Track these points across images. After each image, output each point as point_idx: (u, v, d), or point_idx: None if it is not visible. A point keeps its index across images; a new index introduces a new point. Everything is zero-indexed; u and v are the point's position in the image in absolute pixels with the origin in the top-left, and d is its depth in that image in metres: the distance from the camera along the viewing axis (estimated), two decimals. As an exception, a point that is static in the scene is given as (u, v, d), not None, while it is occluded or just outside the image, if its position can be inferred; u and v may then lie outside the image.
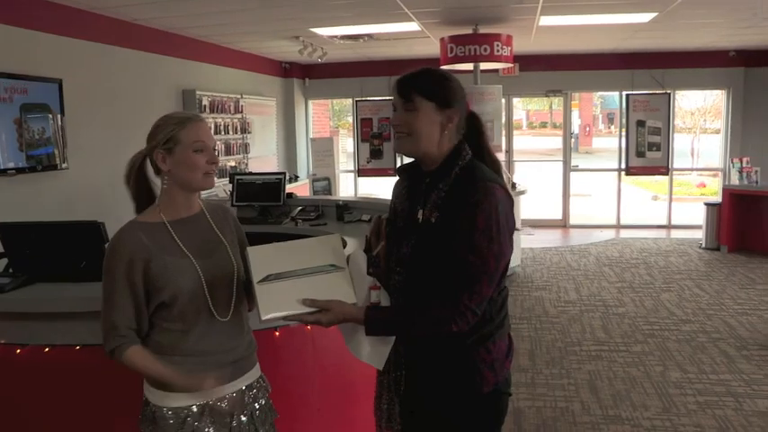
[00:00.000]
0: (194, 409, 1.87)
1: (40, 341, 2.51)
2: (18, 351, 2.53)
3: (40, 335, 2.51)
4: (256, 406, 2.01)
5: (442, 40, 7.72)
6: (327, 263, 1.87)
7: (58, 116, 5.51)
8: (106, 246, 1.85)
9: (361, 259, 1.98)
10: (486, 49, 7.35)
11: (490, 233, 1.72)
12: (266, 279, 1.80)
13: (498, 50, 7.39)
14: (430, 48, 8.43)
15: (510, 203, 1.82)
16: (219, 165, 8.37)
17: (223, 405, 1.92)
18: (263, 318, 1.77)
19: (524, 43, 8.59)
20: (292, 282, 1.82)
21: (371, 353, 1.90)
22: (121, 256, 1.80)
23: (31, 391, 2.56)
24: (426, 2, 6.18)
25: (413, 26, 7.32)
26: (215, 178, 1.94)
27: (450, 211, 1.77)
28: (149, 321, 1.87)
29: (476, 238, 1.72)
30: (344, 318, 1.81)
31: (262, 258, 1.84)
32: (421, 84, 1.84)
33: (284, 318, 1.80)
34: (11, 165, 5.04)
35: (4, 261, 2.90)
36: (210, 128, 7.21)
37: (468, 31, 7.44)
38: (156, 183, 1.95)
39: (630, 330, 5.54)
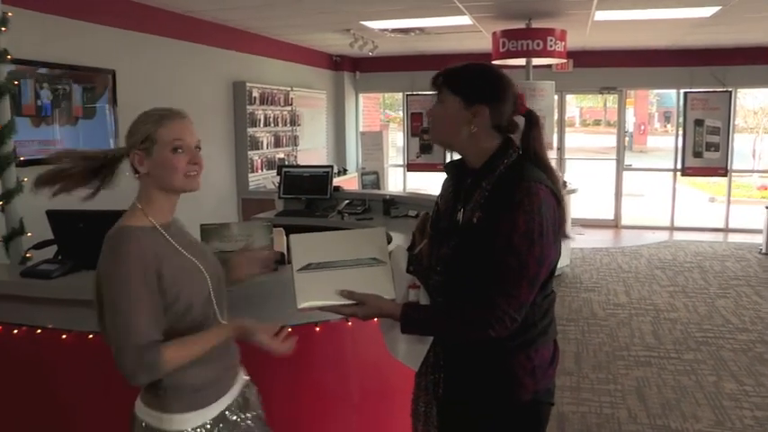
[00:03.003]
0: (208, 425, 1.77)
1: (84, 327, 2.55)
2: (63, 336, 2.58)
3: (84, 321, 2.54)
4: (254, 409, 1.94)
5: (494, 34, 7.60)
6: (370, 256, 1.83)
7: (113, 106, 5.63)
8: (105, 256, 1.67)
9: (402, 257, 1.95)
10: (539, 44, 7.20)
11: (531, 236, 1.65)
12: (306, 267, 1.78)
13: (552, 46, 7.23)
14: (482, 42, 8.32)
15: (556, 205, 1.74)
16: (268, 156, 8.49)
17: (232, 415, 1.84)
18: (300, 306, 1.75)
19: (579, 38, 8.40)
20: (332, 272, 1.79)
21: (408, 352, 1.87)
22: (134, 263, 1.61)
23: (75, 376, 2.61)
24: (479, -5, 6.09)
25: (465, 20, 7.22)
26: (198, 180, 1.77)
27: (492, 212, 1.71)
28: None
29: (516, 241, 1.65)
30: (381, 313, 1.78)
31: (304, 246, 1.81)
32: (451, 78, 1.82)
33: (320, 308, 1.77)
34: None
35: (54, 248, 2.96)
36: (260, 120, 7.22)
37: (521, 25, 7.30)
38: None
39: (682, 337, 5.35)
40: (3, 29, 2.94)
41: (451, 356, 1.84)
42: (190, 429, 1.73)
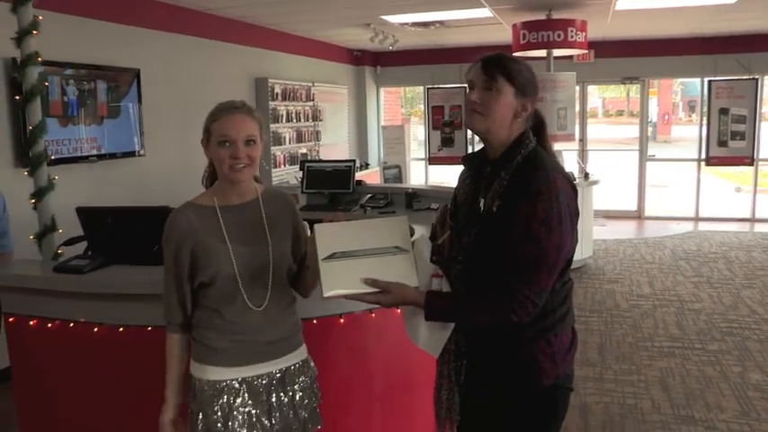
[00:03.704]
0: (235, 384, 1.94)
1: (116, 321, 2.63)
2: (95, 329, 2.65)
3: (115, 314, 2.63)
4: (296, 388, 2.05)
5: (514, 26, 7.58)
6: (393, 245, 1.87)
7: (137, 104, 5.73)
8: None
9: (425, 246, 1.98)
10: (559, 36, 7.17)
11: (550, 223, 1.70)
12: (331, 257, 1.82)
13: (572, 36, 7.19)
14: (502, 34, 8.29)
15: (572, 193, 1.80)
16: (291, 152, 8.55)
17: (262, 383, 1.97)
18: (325, 295, 1.79)
19: (600, 28, 8.34)
20: (357, 261, 1.83)
21: (429, 339, 1.90)
22: (172, 237, 1.93)
23: (106, 368, 2.68)
24: (498, -13, 6.08)
25: (485, 12, 7.21)
26: (249, 171, 1.94)
27: (511, 200, 1.75)
28: (193, 296, 1.99)
29: (534, 228, 1.70)
30: (405, 300, 1.82)
31: (328, 236, 1.85)
32: (507, 66, 1.83)
33: (346, 296, 1.82)
34: (93, 152, 5.28)
35: (85, 244, 3.04)
36: (282, 115, 7.31)
37: (542, 16, 7.27)
38: None
39: (707, 327, 5.32)
40: (34, 32, 3.02)
41: (473, 344, 1.88)
42: (207, 379, 1.95)
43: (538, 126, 1.91)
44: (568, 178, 1.81)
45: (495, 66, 1.82)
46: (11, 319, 2.83)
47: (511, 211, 1.73)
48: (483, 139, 1.90)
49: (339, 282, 1.80)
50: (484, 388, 1.88)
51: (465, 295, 1.85)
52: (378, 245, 1.86)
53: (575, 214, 1.79)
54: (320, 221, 1.92)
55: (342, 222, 1.96)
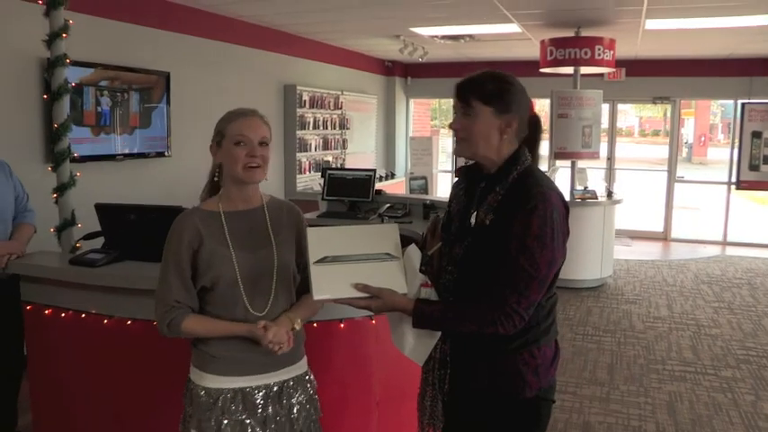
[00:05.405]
0: (228, 394, 1.96)
1: (125, 314, 2.73)
2: (105, 321, 2.76)
3: (124, 308, 2.73)
4: (294, 402, 2.06)
5: (542, 42, 7.58)
6: (383, 251, 1.92)
7: (166, 107, 5.88)
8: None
9: (415, 256, 2.03)
10: (586, 53, 7.14)
11: (544, 239, 1.75)
12: (322, 260, 1.87)
13: (600, 54, 7.16)
14: (531, 50, 8.30)
15: (565, 212, 1.84)
16: (317, 159, 8.66)
17: (257, 394, 2.00)
18: (315, 298, 1.85)
19: (630, 47, 8.30)
20: (347, 266, 1.88)
21: (415, 347, 1.95)
22: (177, 240, 1.96)
23: (116, 358, 2.78)
24: (527, 3, 6.10)
25: (513, 28, 7.24)
26: (261, 172, 2.00)
27: (506, 215, 1.79)
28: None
29: (529, 243, 1.74)
30: (394, 307, 1.87)
31: (320, 240, 1.91)
32: (480, 89, 1.87)
33: (335, 300, 1.87)
34: (126, 151, 5.44)
35: (103, 239, 3.15)
36: (309, 123, 7.37)
37: (570, 33, 7.26)
38: None
39: (722, 353, 5.25)
40: (64, 35, 3.16)
41: (458, 354, 1.93)
42: (204, 386, 1.98)
43: (532, 131, 1.94)
44: (562, 197, 1.85)
45: (466, 90, 1.88)
46: (28, 307, 2.95)
47: (505, 226, 1.78)
48: (480, 160, 1.94)
49: (330, 286, 1.85)
50: (468, 397, 1.92)
51: (454, 304, 1.89)
52: (368, 250, 1.92)
53: (566, 232, 1.84)
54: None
55: (334, 227, 2.02)
